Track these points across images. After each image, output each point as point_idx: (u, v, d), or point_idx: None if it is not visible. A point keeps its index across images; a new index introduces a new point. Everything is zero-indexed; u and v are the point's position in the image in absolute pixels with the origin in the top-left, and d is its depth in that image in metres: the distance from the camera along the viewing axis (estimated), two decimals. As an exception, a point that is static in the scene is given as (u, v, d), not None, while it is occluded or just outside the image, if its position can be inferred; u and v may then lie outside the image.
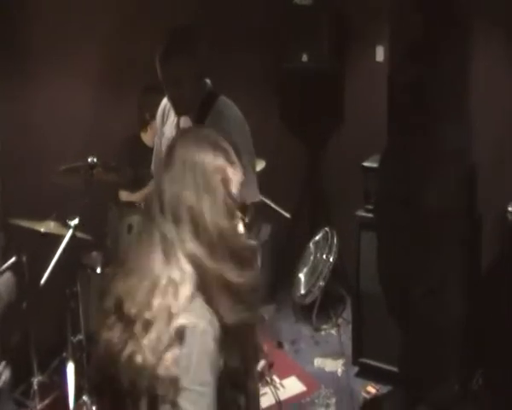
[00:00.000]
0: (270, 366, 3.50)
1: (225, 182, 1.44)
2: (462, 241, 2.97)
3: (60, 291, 3.04)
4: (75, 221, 2.97)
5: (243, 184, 1.50)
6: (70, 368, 3.01)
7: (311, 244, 4.29)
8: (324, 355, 3.83)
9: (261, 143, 2.74)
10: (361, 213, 3.50)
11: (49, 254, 2.91)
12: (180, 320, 1.31)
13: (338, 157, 4.43)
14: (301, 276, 4.21)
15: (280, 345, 3.95)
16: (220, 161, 1.44)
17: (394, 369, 3.30)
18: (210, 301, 1.36)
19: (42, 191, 3.28)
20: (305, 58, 4.29)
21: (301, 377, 3.60)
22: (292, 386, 3.53)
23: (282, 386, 3.48)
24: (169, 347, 1.30)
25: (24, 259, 2.97)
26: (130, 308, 1.35)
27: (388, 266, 3.11)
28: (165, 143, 2.65)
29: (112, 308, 1.40)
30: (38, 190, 3.30)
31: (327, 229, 4.23)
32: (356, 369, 3.59)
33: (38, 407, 3.08)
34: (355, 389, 3.45)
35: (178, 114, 2.60)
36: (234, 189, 1.46)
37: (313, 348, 3.95)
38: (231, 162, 1.47)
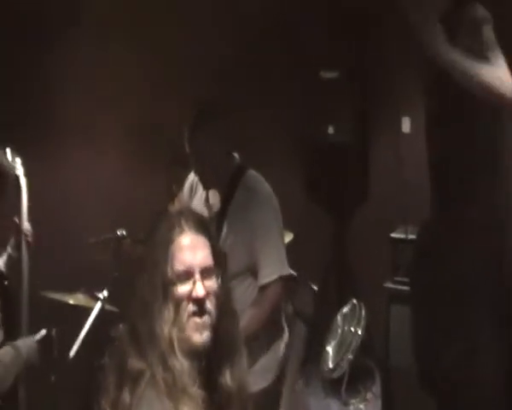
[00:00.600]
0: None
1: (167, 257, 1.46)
2: (496, 310, 2.91)
3: (88, 364, 3.04)
4: (104, 294, 3.00)
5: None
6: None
7: (338, 317, 4.23)
8: (354, 432, 3.72)
9: (288, 216, 2.76)
10: (390, 284, 3.46)
11: (78, 326, 2.93)
12: None
13: (365, 228, 4.43)
14: (329, 349, 4.13)
15: (308, 421, 3.85)
16: (168, 225, 1.49)
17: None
18: None
19: (71, 264, 3.34)
20: (331, 130, 4.36)
21: (330, 455, 3.49)
22: None
23: None
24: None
25: (53, 331, 2.99)
26: None
27: (422, 337, 3.04)
28: None
29: None
30: (68, 262, 3.37)
31: (354, 301, 4.18)
32: (386, 447, 3.48)
33: None
34: None
35: (206, 187, 2.62)
36: (182, 255, 1.46)
37: (342, 424, 3.85)
38: (180, 229, 1.48)
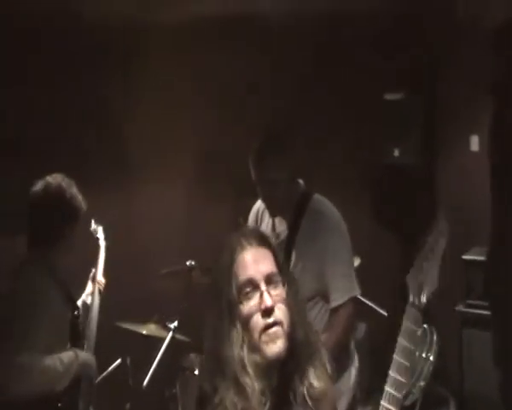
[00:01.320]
0: None
1: (230, 279, 1.45)
2: None
3: (160, 393, 3.12)
4: (175, 324, 3.08)
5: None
6: None
7: (410, 342, 4.15)
8: None
9: (356, 240, 2.75)
10: (462, 308, 3.37)
11: (151, 355, 3.02)
12: None
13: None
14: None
15: (382, 449, 3.77)
16: (230, 248, 1.49)
17: None
18: None
19: (144, 295, 3.44)
20: (396, 153, 4.31)
21: None
22: None
23: None
24: None
25: (128, 361, 3.10)
26: None
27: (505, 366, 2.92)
28: None
29: None
30: (140, 293, 3.47)
31: (425, 326, 4.08)
32: None
33: None
34: None
35: (273, 215, 2.63)
36: (244, 270, 1.45)
37: (417, 453, 3.74)
38: (241, 246, 1.49)
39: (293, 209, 2.58)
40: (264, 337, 1.41)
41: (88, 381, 2.36)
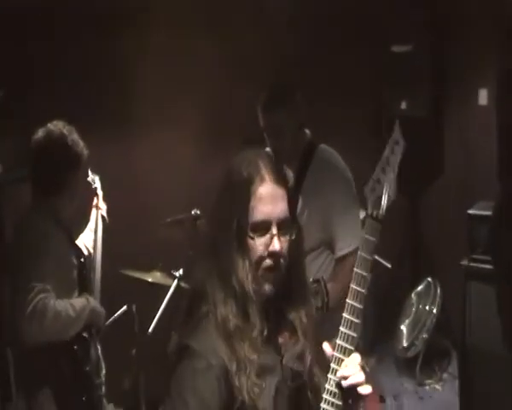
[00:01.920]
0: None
1: (243, 203, 1.43)
2: None
3: (166, 339, 3.14)
4: (180, 272, 3.08)
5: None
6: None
7: (413, 295, 4.17)
8: (429, 412, 3.68)
9: (361, 192, 2.72)
10: (467, 262, 3.37)
11: (156, 303, 3.02)
12: (184, 340, 1.42)
13: (440, 205, 4.33)
14: (403, 328, 4.09)
15: (382, 399, 3.83)
16: (248, 173, 1.45)
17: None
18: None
19: (149, 243, 3.44)
20: (404, 106, 4.27)
21: (405, 434, 3.48)
22: (395, 443, 3.41)
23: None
24: (174, 362, 1.41)
25: (134, 308, 3.12)
26: None
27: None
28: None
29: None
30: (146, 242, 3.47)
31: (429, 279, 4.11)
32: (464, 428, 3.42)
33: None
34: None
35: (278, 160, 2.62)
36: (261, 206, 1.43)
37: (417, 404, 3.80)
38: (261, 177, 1.45)
39: (300, 158, 2.57)
40: (265, 277, 1.44)
41: (97, 328, 2.37)
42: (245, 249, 1.43)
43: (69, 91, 3.39)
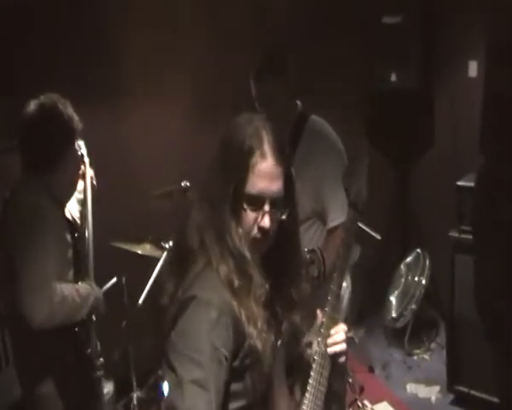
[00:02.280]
0: (360, 390, 3.45)
1: (244, 173, 1.43)
2: None
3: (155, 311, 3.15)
4: (169, 243, 3.07)
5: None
6: (165, 386, 3.10)
7: (402, 266, 4.21)
8: (417, 381, 3.73)
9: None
10: (455, 234, 3.39)
11: (146, 274, 3.02)
12: (189, 292, 1.38)
13: (430, 177, 4.34)
14: (392, 299, 4.13)
15: (371, 369, 3.88)
16: (250, 150, 1.44)
17: (494, 399, 3.16)
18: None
19: (139, 215, 3.42)
20: (393, 77, 4.25)
21: (393, 403, 3.52)
22: (384, 411, 3.46)
23: (373, 410, 3.43)
24: (177, 315, 1.38)
25: (123, 280, 3.11)
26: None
27: (485, 289, 2.97)
28: None
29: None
30: (135, 213, 3.45)
31: (419, 250, 4.14)
32: (451, 397, 3.47)
33: (138, 421, 3.21)
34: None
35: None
36: (258, 181, 1.44)
37: (405, 373, 3.86)
38: (262, 154, 1.45)
39: (291, 129, 2.56)
40: (253, 243, 1.47)
41: (97, 313, 2.36)
42: (238, 216, 1.45)
43: (56, 62, 3.32)
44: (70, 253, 2.24)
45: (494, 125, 2.81)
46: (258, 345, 1.39)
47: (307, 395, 1.52)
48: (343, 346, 1.55)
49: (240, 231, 1.44)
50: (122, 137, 3.65)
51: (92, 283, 2.34)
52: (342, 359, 1.56)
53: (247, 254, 1.43)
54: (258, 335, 1.39)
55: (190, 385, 1.31)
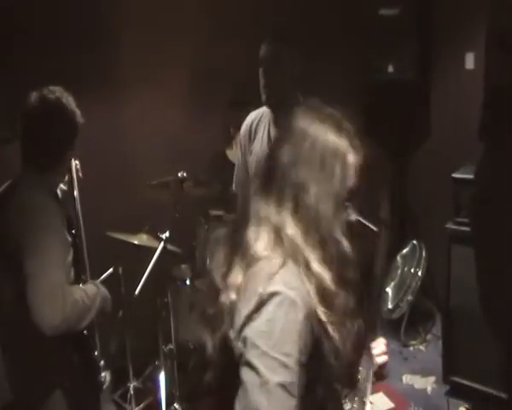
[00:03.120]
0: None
1: (343, 168, 1.33)
2: None
3: (152, 302, 3.15)
4: (166, 234, 3.07)
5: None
6: (162, 376, 3.11)
7: (398, 258, 4.21)
8: (413, 372, 3.74)
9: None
10: (451, 225, 3.39)
11: (143, 265, 3.02)
12: (272, 286, 1.24)
13: (426, 169, 4.34)
14: (388, 290, 4.14)
15: (367, 360, 3.89)
16: (343, 144, 1.35)
17: (489, 390, 3.17)
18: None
19: (135, 205, 3.41)
20: (390, 69, 4.25)
21: (389, 394, 3.53)
22: (379, 402, 3.47)
23: (370, 402, 3.42)
24: (252, 311, 1.23)
25: (120, 270, 3.11)
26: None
27: (488, 280, 2.97)
28: (254, 160, 2.68)
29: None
30: (132, 203, 3.44)
31: (415, 242, 4.14)
32: (447, 387, 3.48)
33: (134, 410, 3.21)
34: (446, 408, 3.35)
35: (269, 104, 2.63)
36: (351, 178, 1.35)
37: (401, 365, 3.87)
38: (353, 147, 1.36)
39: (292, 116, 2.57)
40: None
41: (104, 314, 2.28)
42: (340, 217, 1.35)
43: (53, 51, 3.31)
44: (71, 253, 2.14)
45: (495, 113, 2.80)
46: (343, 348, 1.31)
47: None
48: (385, 358, 1.62)
49: (342, 229, 1.34)
50: (118, 127, 3.64)
51: (97, 282, 2.27)
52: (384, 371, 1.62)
53: (349, 255, 1.32)
54: (345, 336, 1.32)
55: (277, 389, 1.19)
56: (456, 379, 3.41)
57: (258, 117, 2.75)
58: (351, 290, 1.33)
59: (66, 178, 2.38)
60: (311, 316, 1.25)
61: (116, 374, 3.06)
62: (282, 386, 1.19)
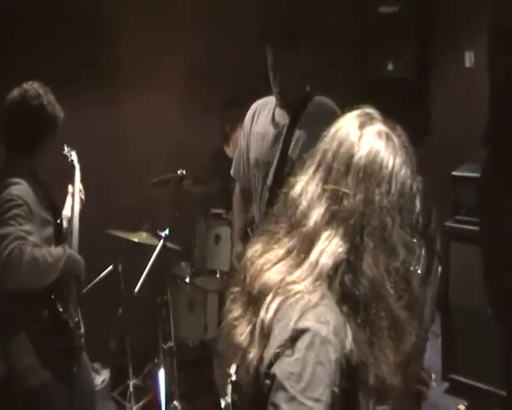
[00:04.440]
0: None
1: (413, 209, 1.26)
2: None
3: (152, 299, 3.16)
4: (165, 232, 3.07)
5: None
6: (161, 374, 3.11)
7: (397, 256, 4.22)
8: (412, 369, 3.75)
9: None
10: (451, 223, 3.39)
11: (142, 263, 3.02)
12: (302, 322, 1.14)
13: (425, 166, 4.32)
14: (388, 288, 4.15)
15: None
16: (414, 183, 1.27)
17: (488, 387, 3.17)
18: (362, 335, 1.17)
19: (135, 203, 3.42)
20: (390, 67, 4.25)
21: (388, 391, 3.53)
22: (379, 400, 3.47)
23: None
24: (282, 347, 1.14)
25: (120, 268, 3.11)
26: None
27: (496, 279, 2.95)
28: (256, 138, 2.71)
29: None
30: (132, 201, 3.44)
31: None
32: (446, 385, 3.48)
33: (134, 408, 3.21)
34: (445, 406, 3.35)
35: (283, 104, 2.67)
36: (417, 207, 1.27)
37: (400, 362, 3.87)
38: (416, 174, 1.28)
39: (298, 102, 2.66)
40: None
41: (76, 278, 2.33)
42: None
43: (52, 51, 3.31)
44: (50, 230, 2.26)
45: (502, 114, 2.78)
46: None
47: None
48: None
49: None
50: (118, 126, 3.64)
51: (66, 246, 2.31)
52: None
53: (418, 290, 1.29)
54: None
55: None
56: (456, 377, 3.41)
57: (264, 102, 2.80)
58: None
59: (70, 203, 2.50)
60: (343, 354, 1.15)
61: (116, 372, 3.07)
62: None
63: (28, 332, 2.18)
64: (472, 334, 3.20)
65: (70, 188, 2.60)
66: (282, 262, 1.22)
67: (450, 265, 3.37)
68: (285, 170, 2.56)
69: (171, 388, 3.11)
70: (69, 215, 2.53)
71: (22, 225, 2.09)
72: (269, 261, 1.24)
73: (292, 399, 1.10)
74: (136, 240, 3.15)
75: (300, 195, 1.24)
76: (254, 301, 1.23)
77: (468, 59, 4.08)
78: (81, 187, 2.63)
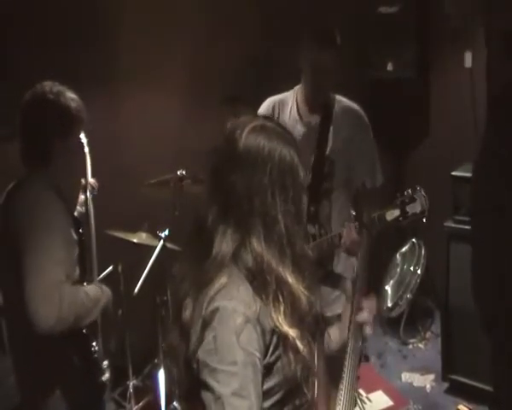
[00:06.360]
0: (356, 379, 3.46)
1: (296, 179, 1.40)
2: None
3: (151, 300, 3.15)
4: (165, 232, 3.07)
5: None
6: (161, 374, 3.11)
7: (397, 256, 4.22)
8: (412, 370, 3.75)
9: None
10: (450, 223, 3.40)
11: (142, 263, 3.02)
12: (212, 305, 1.30)
13: (425, 166, 4.34)
14: (388, 288, 4.15)
15: (366, 358, 3.89)
16: (294, 157, 1.40)
17: (488, 388, 3.17)
18: (265, 302, 1.34)
19: (135, 203, 3.41)
20: (390, 67, 4.25)
21: (388, 392, 3.54)
22: (379, 400, 3.48)
23: (369, 400, 3.44)
24: (200, 333, 1.30)
25: (119, 268, 3.11)
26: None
27: (483, 278, 2.97)
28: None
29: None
30: (131, 202, 3.43)
31: (414, 240, 4.15)
32: (446, 385, 3.49)
33: (134, 409, 3.21)
34: (445, 406, 3.35)
35: (316, 103, 2.72)
36: (302, 188, 1.44)
37: (400, 362, 3.88)
38: (299, 158, 1.42)
39: (327, 101, 2.73)
40: None
41: (107, 315, 2.27)
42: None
43: (52, 50, 3.30)
44: (76, 251, 2.10)
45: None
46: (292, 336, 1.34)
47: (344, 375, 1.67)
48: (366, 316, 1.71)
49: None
50: (117, 126, 3.64)
51: (102, 285, 2.24)
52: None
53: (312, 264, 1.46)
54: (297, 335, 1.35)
55: (231, 399, 1.23)
56: (456, 377, 3.42)
57: (280, 100, 2.80)
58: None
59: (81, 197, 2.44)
60: (256, 322, 1.30)
61: (115, 372, 3.05)
62: (235, 394, 1.24)
63: (57, 367, 2.07)
64: (472, 334, 3.19)
65: (82, 181, 2.52)
66: (194, 265, 1.42)
67: (450, 265, 3.38)
68: (324, 169, 2.64)
69: (170, 388, 3.11)
70: (83, 211, 2.46)
71: (57, 256, 1.94)
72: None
73: (213, 370, 1.26)
74: (135, 240, 3.15)
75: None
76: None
77: (468, 59, 4.07)
78: (94, 182, 2.55)
